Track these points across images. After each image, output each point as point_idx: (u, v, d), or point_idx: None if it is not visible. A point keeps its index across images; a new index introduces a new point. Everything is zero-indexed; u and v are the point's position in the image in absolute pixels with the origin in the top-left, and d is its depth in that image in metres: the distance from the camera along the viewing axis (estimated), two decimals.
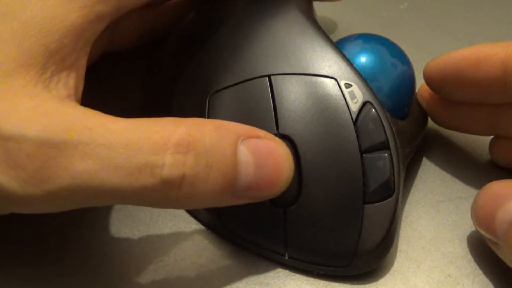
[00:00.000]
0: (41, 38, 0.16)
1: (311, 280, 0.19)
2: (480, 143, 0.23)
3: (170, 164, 0.15)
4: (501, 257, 0.18)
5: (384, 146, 0.18)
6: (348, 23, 0.32)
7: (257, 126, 0.19)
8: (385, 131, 0.18)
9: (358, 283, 0.18)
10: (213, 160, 0.16)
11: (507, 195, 0.17)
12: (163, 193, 0.15)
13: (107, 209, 0.20)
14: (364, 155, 0.18)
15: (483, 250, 0.20)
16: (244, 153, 0.16)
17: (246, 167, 0.16)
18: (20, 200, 0.15)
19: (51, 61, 0.16)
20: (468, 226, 0.21)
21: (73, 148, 0.15)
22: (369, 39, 0.21)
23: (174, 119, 0.16)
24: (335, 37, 0.21)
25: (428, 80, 0.22)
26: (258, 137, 0.17)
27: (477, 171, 0.23)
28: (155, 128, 0.16)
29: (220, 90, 0.20)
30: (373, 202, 0.18)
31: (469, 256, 0.20)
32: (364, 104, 0.18)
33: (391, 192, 0.18)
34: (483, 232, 0.18)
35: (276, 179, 0.17)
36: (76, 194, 0.15)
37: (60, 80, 0.17)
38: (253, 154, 0.16)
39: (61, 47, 0.17)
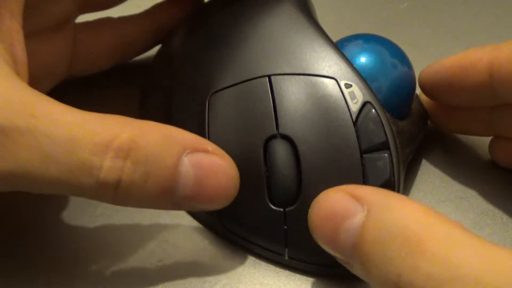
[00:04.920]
0: None
1: (311, 280, 0.19)
2: (480, 143, 0.23)
3: (107, 167, 0.15)
4: (356, 274, 0.16)
5: (384, 146, 0.18)
6: (348, 23, 0.32)
7: (257, 126, 0.19)
8: (385, 132, 0.18)
9: (358, 283, 0.18)
10: (151, 169, 0.16)
11: (344, 213, 0.15)
12: (98, 193, 0.16)
13: (106, 210, 0.20)
14: (364, 155, 0.18)
15: None
16: (186, 166, 0.16)
17: (185, 180, 0.16)
18: None
19: None
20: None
21: (19, 136, 0.15)
22: (369, 40, 0.21)
23: (123, 120, 0.16)
24: (335, 37, 0.21)
25: (423, 88, 0.22)
26: (205, 151, 0.17)
27: (477, 171, 0.23)
28: (101, 128, 0.16)
29: (220, 90, 0.20)
30: None
31: None
32: (364, 104, 0.18)
33: None
34: (329, 252, 0.16)
35: (215, 195, 0.17)
36: (17, 179, 0.15)
37: None
38: (195, 169, 0.16)
39: None
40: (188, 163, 0.16)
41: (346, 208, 0.15)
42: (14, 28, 0.17)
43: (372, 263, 0.14)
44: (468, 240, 0.13)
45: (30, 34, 0.19)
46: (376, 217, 0.14)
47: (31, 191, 0.16)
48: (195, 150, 0.17)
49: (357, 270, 0.15)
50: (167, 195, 0.16)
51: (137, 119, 0.17)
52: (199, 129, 0.19)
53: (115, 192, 0.16)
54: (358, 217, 0.15)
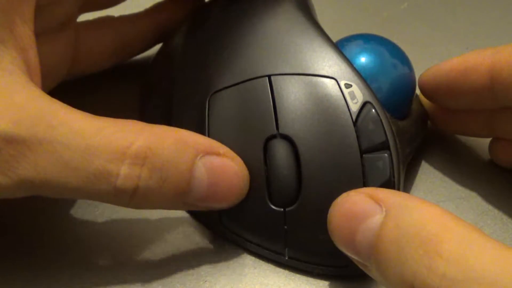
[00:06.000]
0: None
1: (311, 280, 0.19)
2: (480, 143, 0.23)
3: (124, 175, 0.16)
4: (372, 277, 0.16)
5: (384, 146, 0.18)
6: (348, 23, 0.32)
7: (257, 126, 0.19)
8: (385, 132, 0.18)
9: (358, 283, 0.18)
10: (167, 174, 0.16)
11: (363, 213, 0.15)
12: (116, 198, 0.16)
13: (106, 210, 0.20)
14: (364, 155, 0.18)
15: None
16: (200, 170, 0.17)
17: (199, 184, 0.17)
18: None
19: None
20: None
21: (38, 145, 0.15)
22: (369, 40, 0.21)
23: (137, 126, 0.17)
24: (335, 37, 0.21)
25: (423, 91, 0.22)
26: (217, 154, 0.17)
27: (477, 171, 0.23)
28: (116, 135, 0.16)
29: (220, 90, 0.20)
30: None
31: None
32: (364, 104, 0.18)
33: None
34: (347, 254, 0.16)
35: (227, 196, 0.18)
36: (37, 186, 0.16)
37: (13, 62, 0.17)
38: (208, 172, 0.17)
39: None
40: (201, 167, 0.17)
41: (365, 209, 0.15)
42: (26, 33, 0.18)
43: (388, 264, 0.14)
44: (485, 243, 0.13)
45: None
46: (394, 218, 0.14)
47: (50, 196, 0.16)
48: (208, 153, 0.17)
49: (373, 272, 0.15)
50: (181, 198, 0.17)
51: (150, 124, 0.17)
52: (199, 129, 0.19)
53: (132, 197, 0.16)
54: (376, 218, 0.15)
